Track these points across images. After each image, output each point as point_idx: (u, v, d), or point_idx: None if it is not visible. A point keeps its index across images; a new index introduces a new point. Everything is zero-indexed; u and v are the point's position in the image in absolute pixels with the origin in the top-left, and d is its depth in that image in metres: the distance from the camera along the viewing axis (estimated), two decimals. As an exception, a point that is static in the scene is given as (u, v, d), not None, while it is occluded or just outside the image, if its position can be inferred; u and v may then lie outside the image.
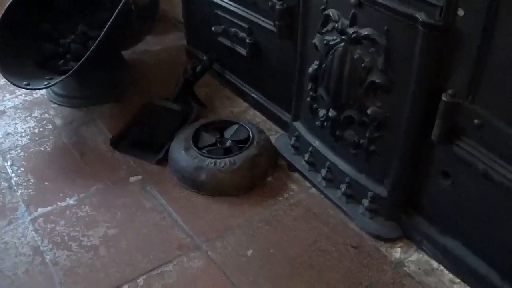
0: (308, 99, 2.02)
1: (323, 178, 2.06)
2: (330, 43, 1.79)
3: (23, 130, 2.49)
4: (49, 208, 2.05)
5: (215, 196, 2.08)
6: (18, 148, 2.37)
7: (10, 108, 2.66)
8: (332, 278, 1.75)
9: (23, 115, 2.60)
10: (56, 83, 2.39)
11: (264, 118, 2.52)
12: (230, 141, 2.22)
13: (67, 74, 2.29)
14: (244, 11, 2.36)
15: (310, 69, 1.94)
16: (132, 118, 2.48)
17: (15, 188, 2.15)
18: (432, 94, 1.55)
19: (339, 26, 1.74)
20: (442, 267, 1.77)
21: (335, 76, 1.82)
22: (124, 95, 2.71)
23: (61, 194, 2.12)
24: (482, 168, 1.49)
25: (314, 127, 2.05)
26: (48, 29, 2.71)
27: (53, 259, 1.85)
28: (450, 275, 1.74)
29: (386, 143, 1.77)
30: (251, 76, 2.55)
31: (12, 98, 2.74)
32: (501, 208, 1.51)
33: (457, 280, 1.72)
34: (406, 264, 1.79)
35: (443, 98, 1.49)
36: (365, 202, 1.91)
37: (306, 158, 2.13)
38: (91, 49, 2.25)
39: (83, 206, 2.06)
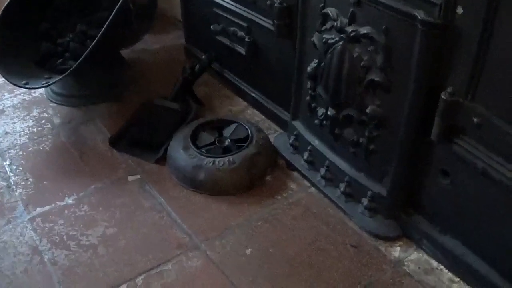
0: (307, 98, 2.02)
1: (322, 177, 2.06)
2: (329, 42, 1.79)
3: (21, 130, 2.49)
4: (47, 208, 2.05)
5: (214, 195, 2.08)
6: (16, 148, 2.37)
7: (9, 107, 2.66)
8: (331, 278, 1.74)
9: (22, 114, 2.60)
10: (54, 82, 2.39)
11: (263, 117, 2.52)
12: (229, 140, 2.21)
13: (66, 73, 2.29)
14: (243, 10, 2.35)
15: (309, 68, 1.94)
16: (131, 117, 2.48)
17: (14, 187, 2.15)
18: (431, 93, 1.54)
19: (338, 25, 1.74)
20: (441, 266, 1.77)
21: (334, 75, 1.81)
22: (122, 94, 2.71)
23: (59, 194, 2.11)
24: (482, 167, 1.49)
25: (313, 126, 2.04)
26: (47, 28, 2.70)
27: (52, 258, 1.84)
28: (450, 274, 1.74)
29: (385, 142, 1.77)
30: (250, 75, 2.55)
31: (10, 97, 2.74)
32: (501, 207, 1.50)
33: (457, 279, 1.72)
34: (406, 263, 1.79)
35: (442, 97, 1.48)
36: (365, 201, 1.91)
37: (305, 157, 2.13)
38: (90, 48, 2.24)
39: (81, 206, 2.05)
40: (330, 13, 1.77)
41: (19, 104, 2.68)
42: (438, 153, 1.65)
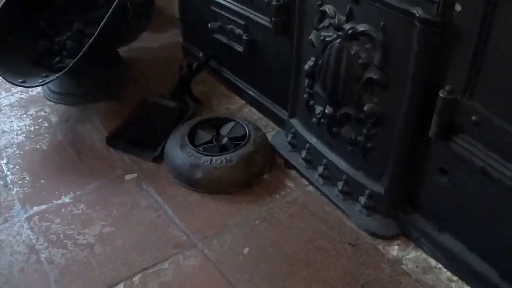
0: (305, 96, 2.02)
1: (320, 175, 2.05)
2: (326, 39, 1.78)
3: (18, 128, 2.48)
4: (44, 206, 2.04)
5: (211, 194, 2.07)
6: (13, 146, 2.36)
7: (6, 106, 2.65)
8: (329, 276, 1.74)
9: (19, 113, 2.59)
10: (51, 81, 2.38)
11: (260, 115, 2.51)
12: (226, 138, 2.21)
13: (63, 72, 2.29)
14: (240, 8, 2.34)
15: (307, 66, 1.93)
16: (128, 116, 2.47)
17: (11, 186, 2.14)
18: (429, 91, 1.54)
19: (336, 22, 1.73)
20: (440, 265, 1.76)
21: (331, 73, 1.80)
22: (120, 93, 2.70)
23: (56, 192, 2.11)
24: (480, 165, 1.49)
25: (311, 124, 2.04)
26: (44, 27, 2.70)
27: (49, 257, 1.84)
28: (448, 273, 1.73)
29: (383, 140, 1.76)
30: (247, 73, 2.54)
31: (7, 95, 2.73)
32: (499, 205, 1.50)
33: (455, 278, 1.72)
34: (404, 262, 1.79)
35: (440, 95, 1.48)
36: (362, 199, 1.90)
37: (303, 155, 2.12)
38: (87, 46, 2.23)
39: (78, 204, 2.05)
40: (327, 11, 1.76)
41: (16, 102, 2.68)
42: (436, 151, 1.64)
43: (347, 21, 1.70)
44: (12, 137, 2.42)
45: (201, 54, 2.70)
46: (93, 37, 2.24)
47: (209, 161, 2.07)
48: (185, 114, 2.44)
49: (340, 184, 1.97)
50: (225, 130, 2.26)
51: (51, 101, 2.67)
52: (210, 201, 2.05)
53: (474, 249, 1.65)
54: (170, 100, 2.48)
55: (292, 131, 2.17)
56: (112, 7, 2.26)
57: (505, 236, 1.52)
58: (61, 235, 1.92)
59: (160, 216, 1.98)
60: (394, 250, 1.83)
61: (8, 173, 2.21)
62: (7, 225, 1.96)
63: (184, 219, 1.97)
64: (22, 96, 2.72)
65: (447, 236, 1.73)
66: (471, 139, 1.50)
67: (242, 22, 2.36)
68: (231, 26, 2.44)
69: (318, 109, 1.96)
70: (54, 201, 2.06)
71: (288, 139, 2.20)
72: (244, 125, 2.26)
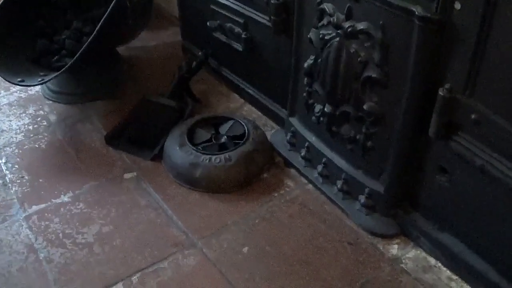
0: (304, 94, 2.01)
1: (319, 174, 2.05)
2: (325, 38, 1.78)
3: (17, 127, 2.48)
4: (43, 206, 2.04)
5: (210, 193, 2.07)
6: (12, 145, 2.36)
7: (5, 105, 2.65)
8: (328, 275, 1.74)
9: (18, 112, 2.59)
10: (50, 80, 2.38)
11: (260, 113, 2.50)
12: (226, 137, 2.20)
13: (62, 70, 2.28)
14: (240, 6, 2.34)
15: (306, 64, 1.93)
16: (127, 115, 2.46)
17: (10, 185, 2.14)
18: (429, 89, 1.53)
19: (335, 20, 1.72)
20: (439, 264, 1.76)
21: (330, 71, 1.80)
22: (119, 92, 2.70)
23: (55, 191, 2.10)
24: (480, 164, 1.48)
25: (310, 122, 2.03)
26: (43, 26, 2.69)
27: (47, 256, 1.84)
28: (448, 272, 1.73)
29: (383, 138, 1.76)
30: (246, 72, 2.54)
31: (6, 95, 2.73)
32: (499, 204, 1.50)
33: (455, 277, 1.71)
34: (403, 261, 1.78)
35: (440, 93, 1.47)
36: (362, 198, 1.90)
37: (302, 154, 2.12)
38: (86, 45, 2.23)
39: (77, 203, 2.04)
40: (326, 9, 1.76)
41: (15, 101, 2.67)
42: (436, 150, 1.64)
43: (346, 20, 1.69)
44: (11, 136, 2.42)
45: (200, 53, 2.70)
46: (92, 36, 2.23)
47: (208, 160, 2.07)
48: (184, 113, 2.43)
49: (339, 183, 1.97)
50: (224, 128, 2.26)
51: (50, 100, 2.67)
52: (209, 200, 2.05)
53: (474, 248, 1.65)
54: (169, 99, 2.47)
55: (292, 129, 2.17)
56: (111, 6, 2.25)
57: (505, 235, 1.51)
58: (60, 235, 1.92)
59: (159, 215, 1.98)
60: (394, 249, 1.82)
61: (7, 172, 2.20)
62: (6, 224, 1.96)
63: (183, 218, 1.97)
64: (21, 95, 2.72)
65: (446, 235, 1.73)
66: (470, 138, 1.50)
67: (241, 21, 2.35)
68: (230, 24, 2.44)
69: (318, 107, 1.95)
70: (53, 200, 2.06)
71: (288, 138, 2.20)
72: (243, 123, 2.25)
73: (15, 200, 2.07)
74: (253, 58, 2.41)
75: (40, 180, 2.16)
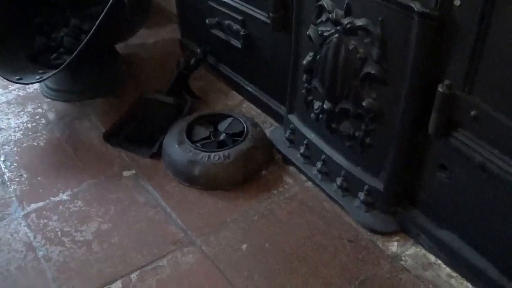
0: (303, 91, 2.00)
1: (318, 171, 2.04)
2: (324, 34, 1.77)
3: (16, 125, 2.48)
4: (42, 204, 2.04)
5: (209, 190, 2.06)
6: (11, 143, 2.35)
7: (3, 103, 2.65)
8: (327, 273, 1.73)
9: (16, 110, 2.59)
10: (48, 77, 2.37)
11: (258, 111, 2.50)
12: (224, 134, 2.20)
13: (60, 68, 2.27)
14: (238, 3, 2.33)
15: (305, 61, 1.92)
16: (126, 112, 2.46)
17: (8, 183, 2.14)
18: (428, 86, 1.53)
19: (334, 17, 1.72)
20: (439, 261, 1.75)
21: (329, 68, 1.79)
22: (117, 89, 2.69)
23: (54, 189, 2.10)
24: (480, 160, 1.48)
25: (309, 119, 2.03)
26: (41, 23, 2.69)
27: (46, 255, 1.83)
28: (448, 269, 1.73)
29: (382, 135, 1.75)
30: (245, 69, 2.53)
31: (5, 93, 2.72)
32: (499, 201, 1.49)
33: (455, 274, 1.71)
34: (403, 258, 1.78)
35: (439, 89, 1.47)
36: (361, 195, 1.90)
37: (301, 151, 2.11)
38: (84, 42, 2.22)
39: (76, 201, 2.04)
40: (325, 5, 1.75)
41: (14, 99, 2.67)
42: (436, 147, 1.63)
43: (345, 16, 1.69)
44: (10, 134, 2.41)
45: (198, 50, 2.69)
46: (90, 33, 2.22)
47: (207, 157, 2.06)
48: (183, 110, 2.43)
49: (338, 180, 1.96)
50: (223, 126, 2.25)
51: (49, 98, 2.66)
52: (208, 197, 2.04)
53: (473, 245, 1.65)
54: (167, 96, 2.47)
55: (291, 127, 2.16)
56: (109, 3, 2.25)
57: (505, 232, 1.51)
58: (59, 232, 1.91)
59: (158, 213, 1.98)
60: (393, 246, 1.82)
61: (6, 170, 2.20)
62: (5, 223, 1.96)
63: (182, 215, 1.96)
64: (19, 93, 2.72)
65: (446, 232, 1.72)
66: (470, 135, 1.49)
67: (240, 18, 2.35)
68: (228, 21, 2.43)
69: (317, 104, 1.95)
70: (51, 198, 2.06)
71: (287, 135, 2.19)
72: (242, 121, 2.25)
73: (14, 198, 2.06)
74: (251, 55, 2.40)
75: (39, 178, 2.16)
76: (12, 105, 2.62)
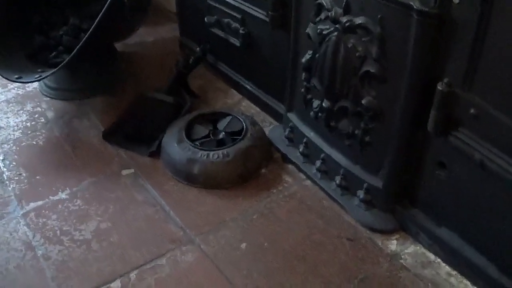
0: (302, 89, 2.00)
1: (317, 169, 2.04)
2: (323, 33, 1.77)
3: (15, 124, 2.47)
4: (41, 203, 2.03)
5: (208, 189, 2.06)
6: (10, 142, 2.35)
7: (2, 101, 2.64)
8: (326, 271, 1.73)
9: (16, 109, 2.58)
10: (47, 76, 2.37)
11: (258, 109, 2.50)
12: (223, 133, 2.19)
13: (59, 67, 2.27)
14: (237, 1, 2.33)
15: (303, 59, 1.92)
16: (125, 111, 2.46)
17: (7, 182, 2.13)
18: (428, 84, 1.53)
19: (332, 15, 1.72)
20: (439, 260, 1.75)
21: (328, 66, 1.79)
22: (116, 88, 2.69)
23: (53, 188, 2.10)
24: (479, 159, 1.47)
25: (308, 118, 2.03)
26: (40, 22, 2.69)
27: (45, 254, 1.83)
28: (447, 268, 1.72)
29: (381, 133, 1.75)
30: (244, 67, 2.53)
31: (4, 91, 2.72)
32: (498, 199, 1.49)
33: (454, 272, 1.71)
34: (403, 256, 1.78)
35: (439, 88, 1.47)
36: (360, 193, 1.89)
37: (300, 149, 2.11)
38: (83, 40, 2.22)
39: (75, 200, 2.04)
40: (324, 3, 1.75)
41: (13, 98, 2.67)
42: (435, 145, 1.63)
43: (344, 14, 1.69)
44: (9, 133, 2.41)
45: (198, 49, 2.69)
46: (89, 32, 2.22)
47: (206, 156, 2.06)
48: (182, 109, 2.43)
49: (338, 179, 1.96)
50: (222, 124, 2.25)
51: (48, 96, 2.66)
52: (207, 196, 2.04)
53: (473, 243, 1.64)
54: (167, 94, 2.47)
55: (290, 125, 2.16)
56: (108, 2, 2.24)
57: (504, 230, 1.51)
58: (58, 231, 1.91)
59: (157, 212, 1.97)
60: (393, 244, 1.82)
61: (5, 169, 2.20)
62: (4, 222, 1.96)
63: (181, 214, 1.96)
64: (18, 92, 2.71)
65: (445, 231, 1.72)
66: (469, 133, 1.49)
67: (239, 16, 2.35)
68: (228, 20, 2.43)
69: (316, 103, 1.94)
70: (50, 197, 2.05)
71: (286, 134, 2.19)
72: (241, 119, 2.24)
73: (13, 197, 2.06)
74: (251, 54, 2.40)
75: (38, 177, 2.15)
76: (11, 104, 2.62)
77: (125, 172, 2.17)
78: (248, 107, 2.52)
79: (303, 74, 1.96)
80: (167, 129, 2.24)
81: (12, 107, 2.60)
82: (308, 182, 2.08)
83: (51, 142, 2.36)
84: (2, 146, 2.33)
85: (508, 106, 1.36)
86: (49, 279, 1.74)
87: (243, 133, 2.16)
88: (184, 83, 2.56)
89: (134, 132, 2.33)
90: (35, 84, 2.72)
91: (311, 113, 1.98)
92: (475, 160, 1.49)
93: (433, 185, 1.70)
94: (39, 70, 2.44)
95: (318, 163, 2.03)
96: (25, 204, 2.03)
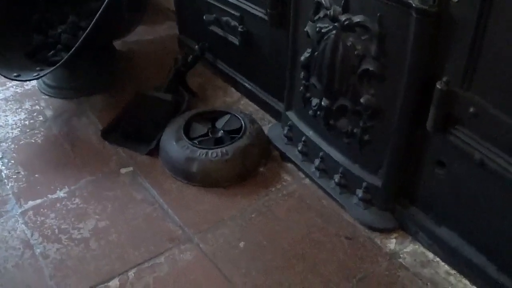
0: (301, 88, 2.00)
1: (316, 168, 2.04)
2: (322, 31, 1.77)
3: (14, 122, 2.47)
4: (39, 201, 2.03)
5: (207, 187, 2.06)
6: (8, 141, 2.35)
7: (1, 100, 2.64)
8: (325, 270, 1.73)
9: (14, 107, 2.58)
10: (46, 74, 2.37)
11: (256, 107, 2.49)
12: (222, 131, 2.19)
13: (57, 65, 2.27)
14: (236, -1, 2.33)
15: (302, 58, 1.92)
16: (123, 109, 2.45)
17: (6, 181, 2.13)
18: (427, 82, 1.52)
19: (331, 13, 1.71)
20: (438, 259, 1.75)
21: (327, 64, 1.79)
22: (115, 86, 2.68)
23: (51, 187, 2.09)
24: (478, 157, 1.47)
25: (307, 116, 2.02)
26: (38, 20, 2.68)
27: (43, 252, 1.83)
28: (446, 267, 1.72)
29: (380, 132, 1.75)
30: (243, 65, 2.53)
31: (3, 90, 2.71)
32: (497, 198, 1.49)
33: (453, 271, 1.71)
34: (401, 255, 1.77)
35: (438, 86, 1.46)
36: (359, 192, 1.89)
37: (299, 148, 2.11)
38: (81, 39, 2.21)
39: (73, 199, 2.03)
40: (323, 2, 1.74)
41: (11, 96, 2.66)
42: (434, 143, 1.63)
43: (343, 12, 1.68)
44: (7, 132, 2.41)
45: (196, 47, 2.68)
46: (87, 30, 2.22)
47: (204, 154, 2.06)
48: (180, 107, 2.42)
49: (336, 177, 1.96)
50: (220, 123, 2.25)
51: (46, 95, 2.65)
52: (206, 194, 2.04)
53: (472, 242, 1.64)
54: (165, 93, 2.46)
55: (289, 123, 2.16)
56: (106, 0, 2.24)
57: (503, 229, 1.50)
58: (56, 230, 1.91)
59: (156, 210, 1.97)
60: (392, 243, 1.82)
61: (3, 167, 2.19)
62: (2, 220, 1.95)
63: (180, 213, 1.96)
64: (17, 90, 2.71)
65: (445, 229, 1.72)
66: (469, 131, 1.49)
67: (238, 14, 2.34)
68: (226, 18, 2.43)
69: (314, 101, 1.94)
70: (49, 196, 2.05)
71: (284, 132, 2.19)
72: (240, 117, 2.24)
73: (11, 196, 2.06)
74: (249, 52, 2.40)
75: (36, 176, 2.15)
76: (9, 102, 2.61)
77: (123, 170, 2.16)
78: (247, 106, 2.52)
79: (302, 72, 1.95)
80: (166, 128, 2.24)
81: (11, 105, 2.59)
82: (307, 180, 2.08)
83: (49, 140, 2.36)
84: (1, 144, 2.33)
85: (507, 105, 1.36)
86: (47, 278, 1.74)
87: (241, 132, 2.16)
88: (182, 81, 2.55)
89: (133, 131, 2.32)
90: (34, 82, 2.72)
91: (310, 111, 1.98)
92: (475, 159, 1.48)
93: (433, 184, 1.70)
94: (37, 68, 2.44)
95: (317, 161, 2.03)
96: (23, 202, 2.02)
